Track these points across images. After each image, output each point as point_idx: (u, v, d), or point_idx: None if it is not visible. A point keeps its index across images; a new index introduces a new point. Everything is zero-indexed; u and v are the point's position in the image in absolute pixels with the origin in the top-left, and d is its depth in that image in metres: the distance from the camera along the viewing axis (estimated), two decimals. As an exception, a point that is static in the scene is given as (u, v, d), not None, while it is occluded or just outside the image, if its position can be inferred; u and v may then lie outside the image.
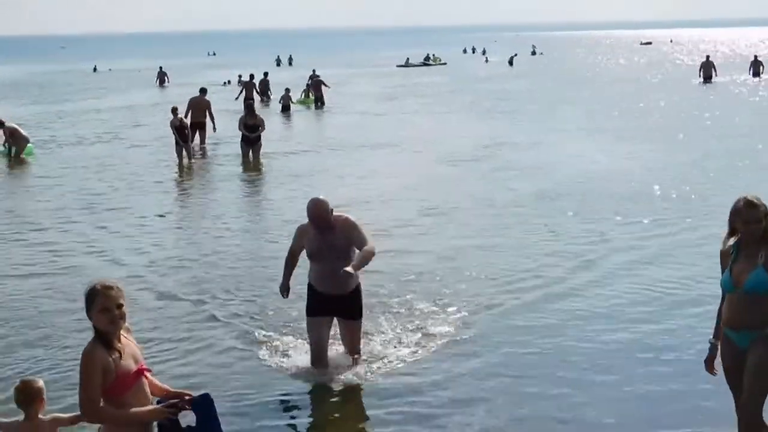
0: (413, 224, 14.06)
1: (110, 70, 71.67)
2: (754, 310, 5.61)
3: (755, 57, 49.42)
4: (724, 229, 5.86)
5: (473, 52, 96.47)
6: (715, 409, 6.74)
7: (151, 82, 53.31)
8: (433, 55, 77.11)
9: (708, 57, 46.93)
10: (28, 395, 5.18)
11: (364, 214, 12.47)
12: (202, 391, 4.86)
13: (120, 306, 4.49)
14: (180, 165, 21.05)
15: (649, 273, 10.89)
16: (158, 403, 4.67)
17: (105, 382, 4.43)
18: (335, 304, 7.79)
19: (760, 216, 5.60)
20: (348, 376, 7.79)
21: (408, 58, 73.60)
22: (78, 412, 4.64)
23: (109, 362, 4.44)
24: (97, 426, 4.72)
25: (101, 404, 4.46)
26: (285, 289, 8.03)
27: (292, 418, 7.30)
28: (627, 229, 13.26)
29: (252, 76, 38.15)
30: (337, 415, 7.28)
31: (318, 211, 7.56)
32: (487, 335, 8.85)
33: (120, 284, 4.59)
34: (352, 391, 7.63)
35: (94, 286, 4.51)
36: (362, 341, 8.19)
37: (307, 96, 38.15)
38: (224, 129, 23.91)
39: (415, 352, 8.34)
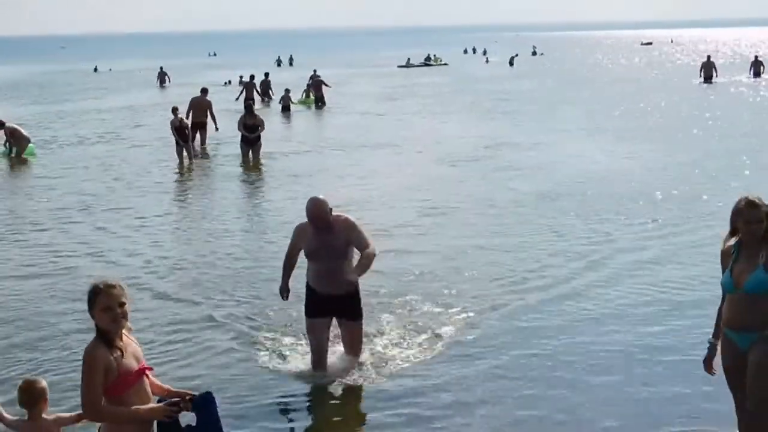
0: (413, 224, 14.05)
1: (110, 70, 71.70)
2: (755, 310, 5.61)
3: (756, 57, 49.42)
4: (725, 230, 5.86)
5: (474, 53, 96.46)
6: (715, 410, 6.73)
7: (151, 82, 53.34)
8: (434, 55, 77.10)
9: (709, 57, 46.90)
10: (31, 395, 5.20)
11: (365, 215, 12.49)
12: (203, 391, 4.86)
13: (122, 305, 4.50)
14: (180, 165, 21.05)
15: (649, 274, 10.87)
16: (159, 402, 4.67)
17: (107, 380, 4.44)
18: (334, 304, 7.75)
19: (762, 216, 5.60)
20: (348, 378, 7.77)
21: (409, 59, 73.58)
22: (80, 411, 4.65)
23: (111, 361, 4.45)
24: (97, 425, 4.72)
25: (103, 403, 4.46)
26: (285, 291, 7.99)
27: (292, 420, 7.28)
28: (627, 230, 13.25)
29: (252, 77, 38.16)
30: (337, 417, 7.26)
31: (317, 210, 7.53)
32: (488, 336, 8.83)
33: (122, 283, 4.60)
34: (353, 393, 7.62)
35: (96, 285, 4.52)
36: (363, 342, 8.15)
37: (307, 96, 38.15)
38: (225, 129, 23.91)
39: (416, 353, 8.32)
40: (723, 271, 5.76)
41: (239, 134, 21.52)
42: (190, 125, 22.16)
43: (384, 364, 8.04)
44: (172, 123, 21.53)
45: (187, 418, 4.72)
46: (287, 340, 8.69)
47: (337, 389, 7.66)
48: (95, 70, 71.47)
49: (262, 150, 21.49)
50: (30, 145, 23.00)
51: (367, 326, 8.46)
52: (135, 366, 4.55)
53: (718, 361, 5.93)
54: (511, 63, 67.21)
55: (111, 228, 14.31)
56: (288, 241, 8.06)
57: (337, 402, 7.51)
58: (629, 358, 8.19)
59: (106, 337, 4.49)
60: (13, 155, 22.52)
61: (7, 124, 23.01)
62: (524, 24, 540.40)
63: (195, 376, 7.91)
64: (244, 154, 21.39)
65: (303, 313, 8.01)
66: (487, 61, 76.10)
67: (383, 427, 7.01)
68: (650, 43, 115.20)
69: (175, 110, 21.85)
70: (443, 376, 7.84)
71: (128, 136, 27.10)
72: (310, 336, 7.95)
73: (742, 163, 19.22)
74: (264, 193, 18.03)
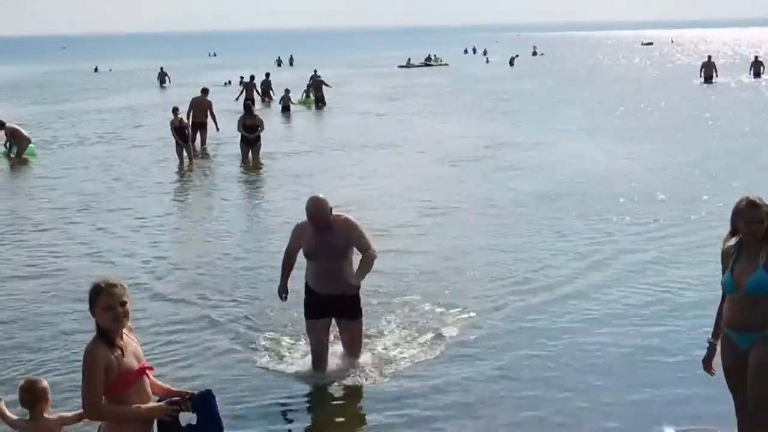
0: (414, 224, 14.04)
1: (111, 70, 71.71)
2: (755, 310, 5.60)
3: (756, 57, 49.41)
4: (726, 230, 5.85)
5: (474, 53, 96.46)
6: (716, 411, 6.71)
7: (152, 82, 53.35)
8: (435, 55, 77.09)
9: (710, 57, 46.89)
10: (33, 395, 5.22)
11: (365, 215, 12.48)
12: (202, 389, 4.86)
13: (123, 304, 4.51)
14: (180, 165, 21.05)
15: (650, 274, 10.86)
16: (159, 402, 4.67)
17: (107, 379, 4.45)
18: (333, 304, 7.72)
19: (762, 216, 5.59)
20: (349, 379, 7.75)
21: (409, 59, 73.59)
22: (81, 410, 4.65)
23: (111, 360, 4.46)
24: (97, 424, 4.72)
25: (103, 402, 4.46)
26: (283, 291, 7.96)
27: (293, 421, 7.26)
28: (628, 230, 13.24)
29: (252, 77, 38.15)
30: (337, 418, 7.23)
31: (317, 210, 7.51)
32: (489, 337, 8.82)
33: (124, 282, 4.61)
34: (353, 394, 7.60)
35: (98, 284, 4.53)
36: (363, 343, 8.12)
37: (307, 96, 38.14)
38: (225, 129, 23.92)
39: (417, 354, 8.30)
40: (723, 271, 5.76)
41: (239, 134, 21.53)
42: (190, 125, 22.17)
43: (384, 365, 8.02)
44: (172, 123, 21.52)
45: (188, 416, 4.72)
46: (287, 340, 8.67)
47: (337, 390, 7.65)
48: (95, 70, 71.50)
49: (262, 150, 21.49)
50: (30, 145, 23.00)
51: (368, 327, 8.45)
52: (135, 365, 4.56)
53: (717, 361, 5.92)
54: (511, 63, 67.20)
55: (111, 228, 14.31)
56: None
57: (338, 403, 7.49)
58: (630, 359, 8.18)
59: (107, 336, 4.49)
60: (13, 155, 22.52)
61: (8, 125, 23.01)
62: (525, 24, 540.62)
63: (195, 376, 7.89)
64: (244, 155, 21.39)
65: (303, 314, 7.99)
66: (487, 61, 76.09)
67: (384, 428, 6.99)
68: (651, 44, 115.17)
69: (175, 110, 21.84)
70: (443, 377, 7.83)
71: (128, 137, 27.10)
72: (311, 337, 7.93)
73: (742, 163, 19.22)
74: (264, 193, 18.03)
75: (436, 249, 12.38)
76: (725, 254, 5.78)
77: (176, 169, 20.75)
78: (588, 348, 8.48)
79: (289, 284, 8.01)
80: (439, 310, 9.51)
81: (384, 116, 32.04)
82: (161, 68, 54.34)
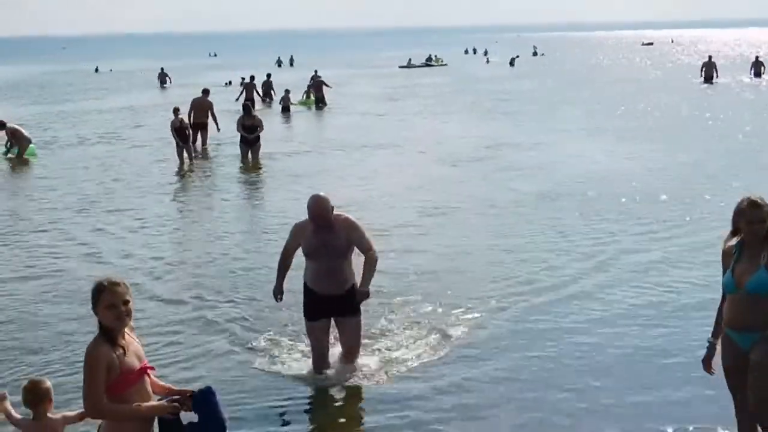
0: (414, 225, 14.04)
1: (111, 70, 71.74)
2: (756, 311, 5.60)
3: (756, 57, 49.42)
4: (727, 230, 5.85)
5: (474, 53, 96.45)
6: (716, 412, 6.69)
7: (152, 82, 53.36)
8: (435, 55, 77.11)
9: (710, 57, 46.90)
10: (36, 395, 5.22)
11: (366, 215, 12.47)
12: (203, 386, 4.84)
13: (126, 302, 4.51)
14: (181, 165, 21.04)
15: (651, 275, 10.84)
16: (161, 400, 4.66)
17: (108, 378, 4.44)
18: (333, 304, 7.68)
19: (764, 216, 5.59)
20: (349, 380, 7.73)
21: (410, 59, 73.58)
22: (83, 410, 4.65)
23: (113, 358, 4.45)
24: (97, 424, 4.72)
25: (104, 400, 4.46)
26: (278, 292, 7.91)
27: (293, 422, 7.23)
28: (629, 230, 13.23)
29: (252, 77, 38.15)
30: (338, 419, 7.22)
31: (318, 208, 7.49)
32: (490, 338, 8.80)
33: (126, 281, 4.60)
34: (354, 396, 7.59)
35: (100, 283, 4.53)
36: (363, 344, 8.09)
37: (308, 97, 38.14)
38: (225, 130, 23.92)
39: (417, 355, 8.28)
40: (724, 271, 5.75)
41: (239, 135, 21.52)
42: (190, 126, 22.16)
43: (385, 366, 8.00)
44: (172, 124, 21.52)
45: (190, 415, 4.71)
46: (287, 341, 8.64)
47: (337, 391, 7.63)
48: (96, 70, 71.53)
49: (263, 150, 21.49)
50: (31, 145, 23.00)
51: (368, 327, 8.44)
52: (137, 365, 4.56)
53: (717, 361, 5.91)
54: (511, 63, 67.19)
55: (111, 229, 14.30)
56: (288, 242, 8.01)
57: (338, 404, 7.47)
58: (631, 361, 8.16)
59: (110, 334, 4.49)
60: (12, 156, 22.52)
61: (9, 125, 23.01)
62: (525, 24, 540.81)
63: (194, 378, 7.83)
64: (244, 155, 21.39)
65: (302, 315, 7.96)
66: (487, 61, 76.08)
67: (384, 430, 6.97)
68: (651, 44, 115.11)
69: (176, 111, 21.83)
70: (445, 378, 7.81)
71: (129, 137, 27.11)
72: (311, 338, 7.90)
73: (742, 163, 19.21)
74: (264, 193, 18.03)
75: (436, 249, 12.37)
76: (726, 254, 5.77)
77: (176, 170, 20.75)
78: (589, 349, 8.46)
79: (286, 285, 7.97)
80: (440, 310, 9.50)
81: (384, 116, 32.05)
82: (162, 68, 54.33)
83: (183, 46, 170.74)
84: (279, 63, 74.95)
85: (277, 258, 8.06)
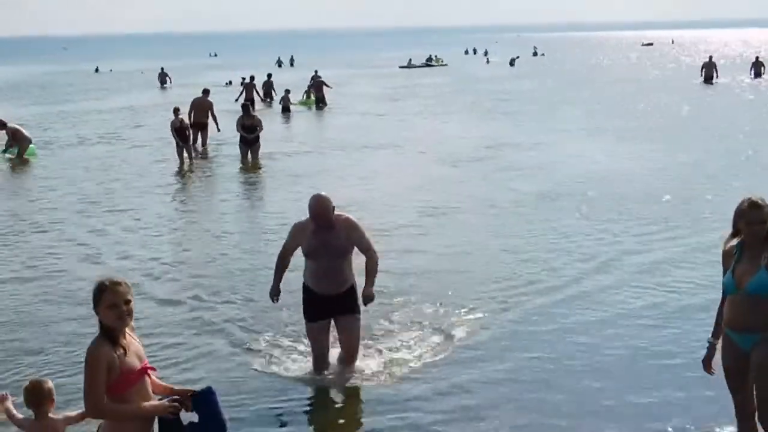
0: (415, 225, 14.03)
1: (111, 70, 71.75)
2: (757, 311, 5.60)
3: (756, 58, 49.45)
4: (727, 231, 5.84)
5: (474, 53, 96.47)
6: (716, 413, 6.69)
7: (152, 82, 53.35)
8: (435, 56, 77.13)
9: (711, 57, 46.91)
10: (37, 396, 5.22)
11: (366, 215, 12.45)
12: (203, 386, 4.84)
13: (128, 302, 4.51)
14: (181, 166, 21.04)
15: (652, 276, 10.83)
16: (161, 400, 4.66)
17: (109, 378, 4.44)
18: (332, 303, 7.67)
19: (764, 217, 5.59)
20: (349, 382, 7.72)
21: (411, 59, 73.58)
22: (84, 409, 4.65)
23: (114, 358, 4.45)
24: (97, 423, 4.72)
25: (105, 400, 4.46)
26: (275, 293, 7.88)
27: (293, 424, 7.21)
28: (629, 230, 13.22)
29: (252, 78, 38.14)
30: (338, 421, 7.21)
31: (319, 208, 7.48)
32: (490, 339, 8.78)
33: (128, 281, 4.60)
34: (354, 397, 7.58)
35: (102, 282, 4.53)
36: (363, 345, 8.08)
37: (308, 97, 38.14)
38: (226, 129, 23.93)
39: (419, 356, 8.26)
40: (724, 272, 5.75)
41: (238, 135, 21.53)
42: (191, 126, 22.16)
43: (386, 367, 7.99)
44: (172, 124, 21.52)
45: (190, 415, 4.71)
46: (287, 342, 8.62)
47: (338, 392, 7.62)
48: (96, 70, 71.55)
49: (262, 150, 21.49)
50: (31, 145, 23.00)
51: (369, 327, 8.44)
52: (137, 365, 4.55)
53: (717, 362, 5.92)
54: (511, 63, 67.20)
55: (111, 229, 14.30)
56: (288, 242, 7.99)
57: (338, 405, 7.47)
58: (632, 362, 8.15)
59: (111, 334, 4.49)
60: (12, 156, 22.52)
61: (9, 125, 23.02)
62: (525, 25, 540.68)
63: (194, 380, 7.79)
64: (243, 155, 21.39)
65: (301, 315, 7.95)
66: (488, 61, 76.09)
67: (384, 431, 6.96)
68: (651, 44, 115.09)
69: (176, 111, 21.83)
70: (446, 379, 7.80)
71: (129, 137, 27.11)
72: (311, 339, 7.89)
73: (742, 163, 19.21)
74: (264, 193, 18.03)
75: (436, 249, 12.36)
76: (727, 255, 5.77)
77: (176, 170, 20.74)
78: (590, 350, 8.45)
79: (285, 285, 7.95)
80: (440, 311, 9.49)
81: (385, 116, 32.04)
82: (162, 69, 54.31)
83: (183, 46, 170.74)
84: (279, 63, 74.95)
85: (277, 258, 8.05)
